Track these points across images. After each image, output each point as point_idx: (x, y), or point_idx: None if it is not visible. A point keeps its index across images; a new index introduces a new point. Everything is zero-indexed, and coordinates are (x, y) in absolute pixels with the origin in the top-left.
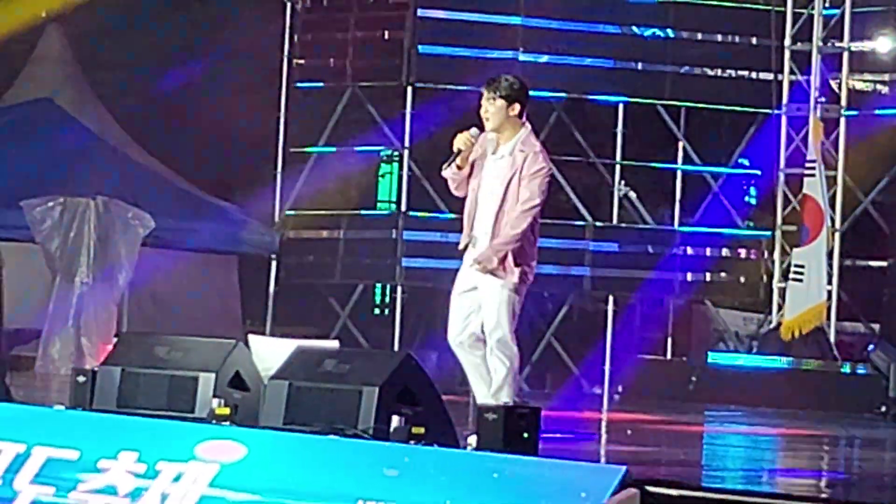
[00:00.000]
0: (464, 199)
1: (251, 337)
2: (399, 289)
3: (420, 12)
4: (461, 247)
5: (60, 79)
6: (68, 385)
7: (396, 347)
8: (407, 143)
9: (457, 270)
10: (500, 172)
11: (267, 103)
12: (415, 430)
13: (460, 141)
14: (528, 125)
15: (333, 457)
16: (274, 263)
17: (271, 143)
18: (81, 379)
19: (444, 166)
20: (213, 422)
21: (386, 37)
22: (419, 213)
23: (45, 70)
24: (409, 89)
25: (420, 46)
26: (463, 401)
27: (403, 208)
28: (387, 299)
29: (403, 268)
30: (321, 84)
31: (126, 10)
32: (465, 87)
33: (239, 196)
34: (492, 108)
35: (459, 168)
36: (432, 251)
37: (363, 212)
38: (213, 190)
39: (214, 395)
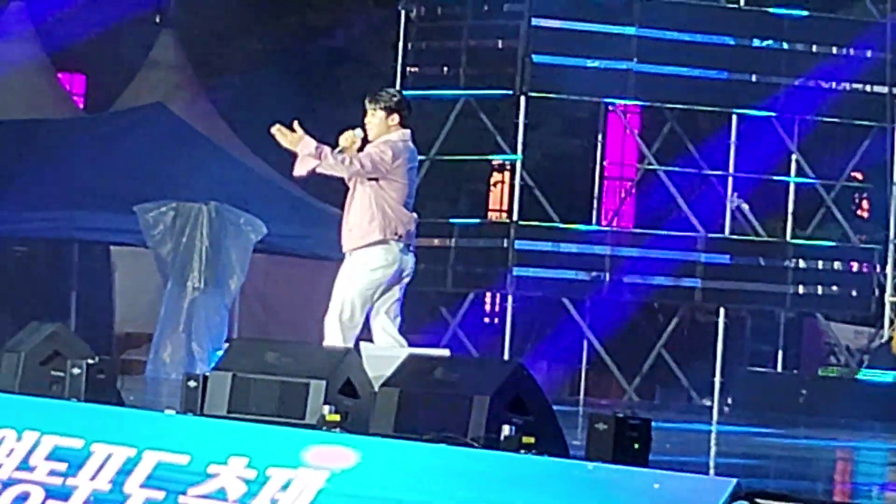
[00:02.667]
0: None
1: (362, 344)
2: (510, 298)
3: (534, 21)
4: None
5: (173, 84)
6: (179, 390)
7: (506, 356)
8: (520, 152)
9: (569, 280)
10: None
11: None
12: (525, 439)
13: (345, 139)
14: (405, 131)
15: (444, 465)
16: None
17: None
18: (192, 384)
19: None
20: (324, 428)
21: (500, 46)
22: (531, 223)
23: (159, 75)
24: (523, 98)
25: (534, 56)
26: (573, 410)
27: (515, 217)
28: (497, 308)
29: (514, 277)
30: (434, 92)
31: (238, 16)
32: (578, 97)
33: None
34: (373, 119)
35: None
36: (543, 260)
37: (475, 220)
38: (325, 196)
39: (325, 402)
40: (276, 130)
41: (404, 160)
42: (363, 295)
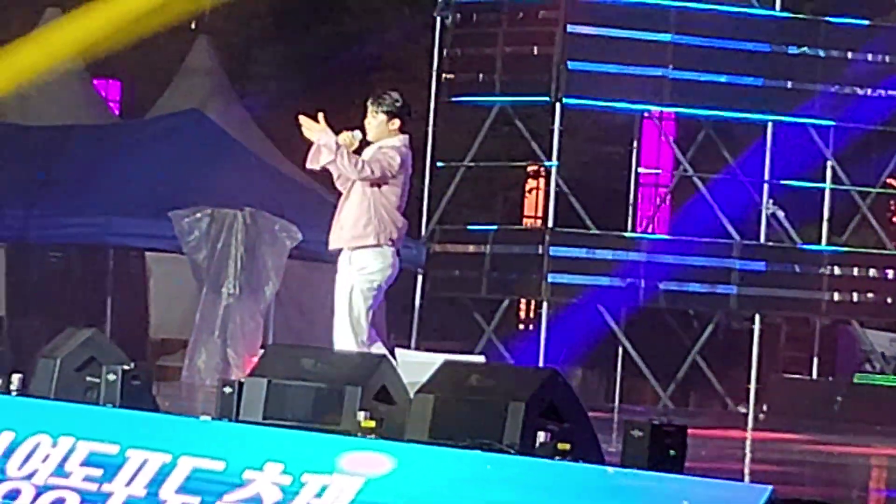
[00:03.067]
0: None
1: (397, 350)
2: (545, 304)
3: (570, 28)
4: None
5: (209, 90)
6: (214, 396)
7: (541, 363)
8: (555, 159)
9: (604, 287)
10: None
11: (415, 117)
12: (560, 445)
13: (343, 139)
14: (405, 137)
15: (479, 472)
16: (420, 277)
17: (419, 157)
18: (228, 390)
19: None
20: (359, 435)
21: (535, 52)
22: (566, 229)
23: (194, 81)
24: (558, 105)
25: (569, 62)
26: (608, 417)
27: (550, 224)
28: (531, 315)
29: (549, 283)
30: (470, 99)
31: (274, 22)
32: (614, 104)
33: None
34: (374, 121)
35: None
36: (578, 267)
37: (510, 227)
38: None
39: (360, 408)
40: (303, 119)
41: (407, 166)
42: (366, 298)
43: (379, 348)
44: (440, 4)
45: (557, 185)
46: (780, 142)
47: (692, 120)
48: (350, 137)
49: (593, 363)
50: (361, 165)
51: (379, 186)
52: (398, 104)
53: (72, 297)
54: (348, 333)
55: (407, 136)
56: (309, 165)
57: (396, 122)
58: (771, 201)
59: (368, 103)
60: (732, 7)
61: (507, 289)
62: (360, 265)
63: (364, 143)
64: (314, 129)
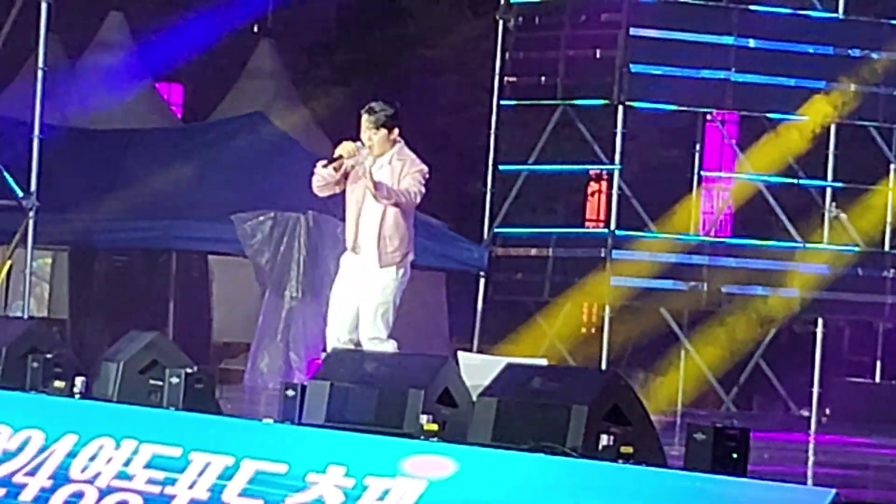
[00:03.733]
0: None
1: (460, 353)
2: (607, 307)
3: (632, 31)
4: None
5: (272, 93)
6: (277, 399)
7: (603, 366)
8: (617, 162)
9: (667, 290)
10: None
11: (477, 120)
12: (623, 449)
13: (345, 150)
14: (401, 140)
15: (542, 475)
16: (482, 280)
17: (481, 160)
18: (290, 393)
19: (321, 165)
20: (422, 438)
21: (597, 55)
22: (628, 232)
23: (257, 84)
24: (620, 108)
25: (632, 65)
26: (670, 420)
27: (613, 227)
28: (593, 318)
29: (612, 286)
30: (532, 102)
31: (338, 26)
32: (676, 107)
33: (448, 212)
34: (375, 137)
35: (336, 170)
36: (641, 270)
37: (572, 230)
38: (422, 206)
39: (423, 411)
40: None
41: None
42: (393, 305)
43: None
44: (502, 7)
45: (620, 188)
46: (842, 144)
47: (755, 121)
48: (353, 148)
49: (656, 366)
50: (413, 197)
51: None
52: (389, 113)
53: (135, 301)
54: (384, 339)
55: (402, 141)
56: (323, 193)
57: (396, 131)
58: (834, 204)
59: (363, 115)
60: (795, 9)
61: (569, 292)
62: (391, 276)
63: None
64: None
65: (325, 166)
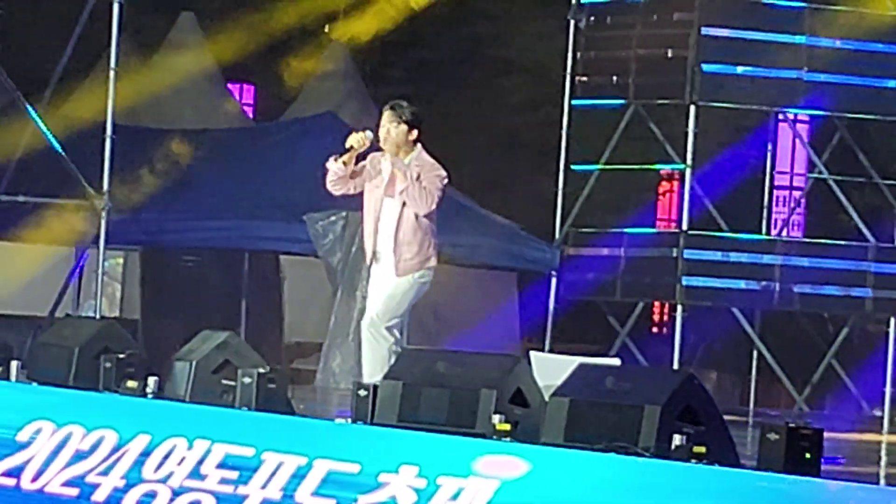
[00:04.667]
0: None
1: (532, 353)
2: (679, 307)
3: (704, 31)
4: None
5: (343, 93)
6: (349, 399)
7: (675, 366)
8: (689, 162)
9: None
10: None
11: (548, 120)
12: (696, 448)
13: (355, 140)
14: (420, 147)
15: (614, 475)
16: (554, 280)
17: (552, 160)
18: (363, 393)
19: (332, 159)
20: (494, 437)
21: (669, 55)
22: (700, 232)
23: (329, 84)
24: (692, 108)
25: (704, 64)
26: (742, 420)
27: (685, 227)
28: (665, 317)
29: (684, 286)
30: (603, 101)
31: (409, 25)
32: (748, 106)
33: (519, 212)
34: (394, 130)
35: (345, 164)
36: (713, 270)
37: (643, 230)
38: (494, 205)
39: (495, 411)
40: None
41: None
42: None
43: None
44: (573, 7)
45: (692, 187)
46: None
47: (827, 122)
48: (362, 138)
49: (727, 366)
50: (430, 201)
51: None
52: (417, 114)
53: (207, 301)
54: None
55: (420, 146)
56: (338, 192)
57: (415, 133)
58: None
59: (386, 109)
60: (867, 9)
61: (641, 292)
62: (420, 280)
63: (375, 147)
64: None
65: (336, 160)
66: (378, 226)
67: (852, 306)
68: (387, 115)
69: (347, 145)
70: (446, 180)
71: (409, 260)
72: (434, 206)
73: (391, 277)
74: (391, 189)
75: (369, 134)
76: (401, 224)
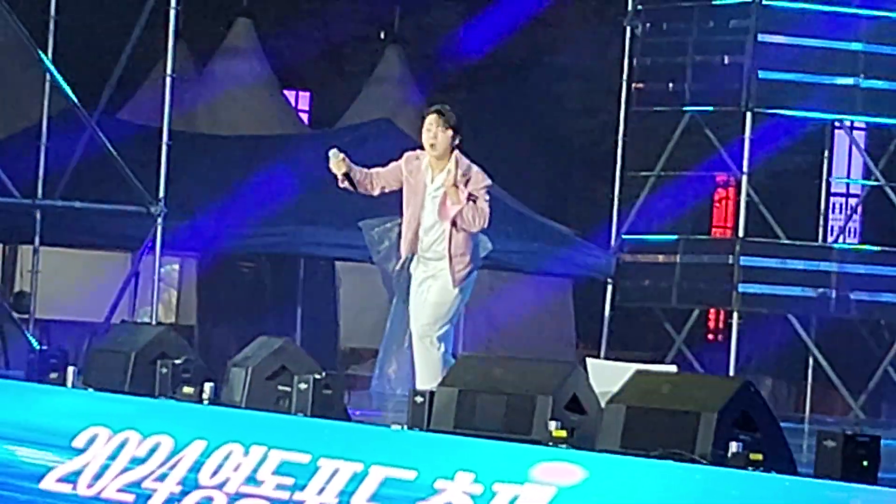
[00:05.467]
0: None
1: (589, 360)
2: (735, 314)
3: (761, 37)
4: (402, 261)
5: (399, 99)
6: (404, 405)
7: (731, 373)
8: (745, 169)
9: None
10: (440, 195)
11: (605, 126)
12: (752, 456)
13: (334, 165)
14: (459, 153)
15: (671, 482)
16: (609, 287)
17: (608, 166)
18: (419, 399)
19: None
20: (550, 444)
21: (725, 61)
22: (757, 239)
23: (384, 91)
24: (749, 114)
25: (760, 71)
26: (799, 428)
27: (741, 233)
28: (721, 324)
29: (740, 293)
30: (659, 108)
31: (466, 32)
32: (805, 113)
33: (575, 218)
34: (441, 136)
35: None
36: (769, 277)
37: (700, 236)
38: (550, 212)
39: (551, 418)
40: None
41: None
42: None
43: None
44: (630, 13)
45: (748, 194)
46: None
47: (884, 129)
48: (338, 161)
49: (783, 373)
50: (483, 220)
51: None
52: (458, 119)
53: (262, 307)
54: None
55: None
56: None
57: (458, 139)
58: None
59: (431, 114)
60: None
61: (697, 298)
62: (458, 301)
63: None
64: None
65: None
66: (419, 231)
67: None
68: (433, 118)
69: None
70: (491, 187)
71: (462, 270)
72: (484, 224)
73: (444, 286)
74: (444, 212)
75: (336, 153)
76: (453, 237)
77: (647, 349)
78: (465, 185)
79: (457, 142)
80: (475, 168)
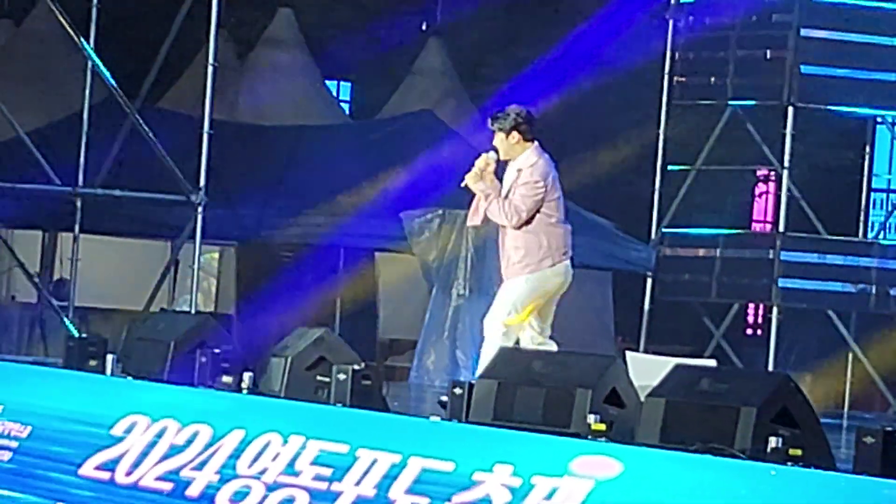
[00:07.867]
0: None
1: (628, 353)
2: (774, 309)
3: (803, 32)
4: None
5: (440, 91)
6: (443, 396)
7: (770, 367)
8: (786, 163)
9: (835, 293)
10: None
11: (647, 120)
12: (792, 451)
13: (481, 160)
14: (532, 145)
15: (710, 476)
16: (650, 280)
17: (650, 160)
18: (458, 391)
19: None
20: (589, 437)
21: (768, 56)
22: (797, 234)
23: (426, 82)
24: (790, 109)
25: (802, 66)
26: (836, 424)
27: (781, 228)
28: (760, 319)
29: (780, 288)
30: (701, 102)
31: (505, 23)
32: (846, 108)
33: (616, 212)
34: (499, 143)
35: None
36: (809, 272)
37: (740, 231)
38: (590, 204)
39: (591, 411)
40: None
41: (552, 175)
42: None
43: None
44: (672, 7)
45: (789, 189)
46: None
47: None
48: (485, 159)
49: (822, 368)
50: (512, 215)
51: (537, 210)
52: (510, 118)
53: (302, 297)
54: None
55: (535, 143)
56: (470, 223)
57: (516, 136)
58: None
59: (490, 121)
60: None
61: (736, 293)
62: (511, 292)
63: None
64: (469, 178)
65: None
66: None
67: None
68: (491, 126)
69: (476, 169)
70: (540, 185)
71: (517, 263)
72: (520, 221)
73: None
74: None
75: (492, 154)
76: (506, 233)
77: (686, 343)
78: (506, 194)
79: (514, 139)
80: (534, 163)
